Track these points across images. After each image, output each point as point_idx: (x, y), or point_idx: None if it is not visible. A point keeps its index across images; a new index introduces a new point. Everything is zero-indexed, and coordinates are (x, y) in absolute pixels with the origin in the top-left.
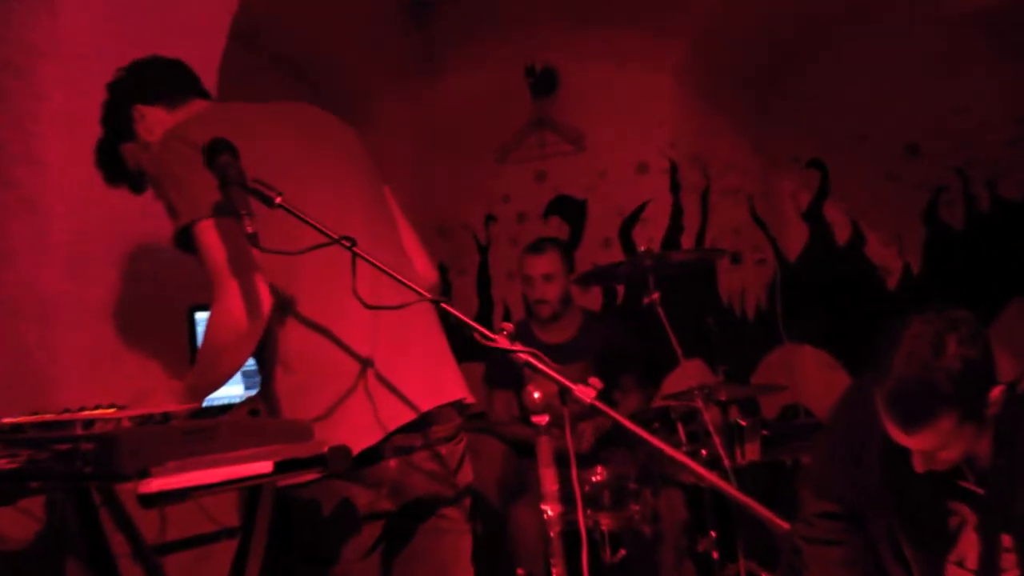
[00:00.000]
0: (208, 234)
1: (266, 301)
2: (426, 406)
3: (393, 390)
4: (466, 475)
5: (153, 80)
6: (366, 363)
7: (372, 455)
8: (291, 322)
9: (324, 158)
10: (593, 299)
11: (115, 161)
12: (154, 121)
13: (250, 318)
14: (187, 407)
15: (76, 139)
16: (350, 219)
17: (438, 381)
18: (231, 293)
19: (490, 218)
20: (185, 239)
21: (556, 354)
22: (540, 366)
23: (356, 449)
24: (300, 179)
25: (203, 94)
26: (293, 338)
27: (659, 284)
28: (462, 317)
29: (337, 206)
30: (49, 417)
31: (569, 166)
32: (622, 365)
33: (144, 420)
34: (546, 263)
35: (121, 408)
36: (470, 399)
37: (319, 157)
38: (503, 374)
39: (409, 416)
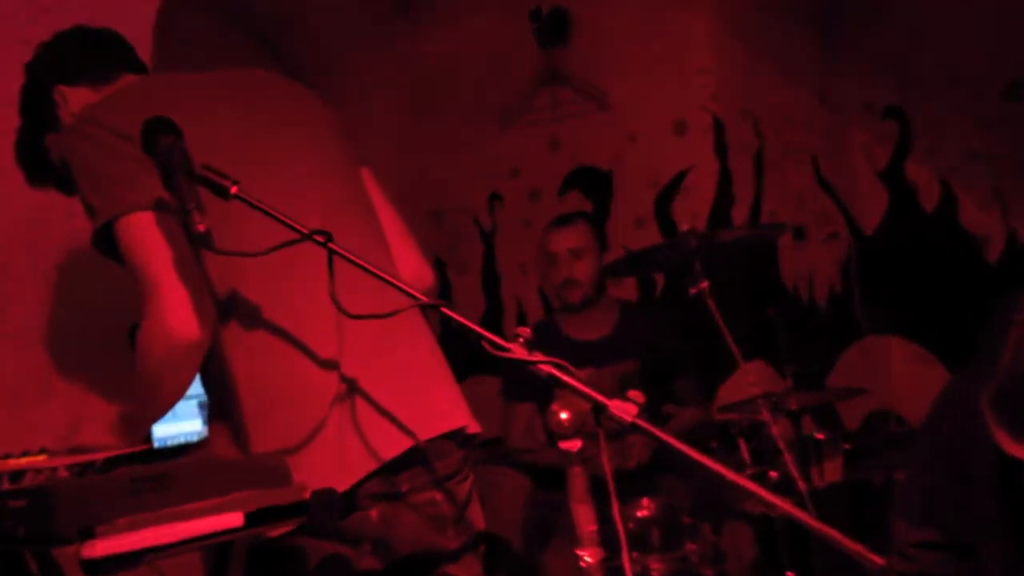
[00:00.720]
0: (132, 232)
1: (210, 310)
2: (421, 435)
3: (374, 418)
4: (475, 520)
5: (75, 55)
6: (337, 385)
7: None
8: (238, 337)
9: (274, 136)
10: (625, 293)
11: (38, 156)
12: (78, 104)
13: (188, 331)
14: (131, 448)
15: None
16: (304, 209)
17: (429, 406)
18: (165, 302)
19: (495, 198)
20: (106, 241)
21: (592, 354)
22: (567, 379)
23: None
24: (235, 164)
25: (137, 68)
26: (240, 357)
27: (707, 270)
28: (466, 323)
29: (286, 195)
30: None
31: (589, 130)
32: (675, 367)
33: (84, 468)
34: (573, 235)
35: (54, 454)
36: (474, 427)
37: (267, 135)
38: (523, 384)
39: (391, 452)
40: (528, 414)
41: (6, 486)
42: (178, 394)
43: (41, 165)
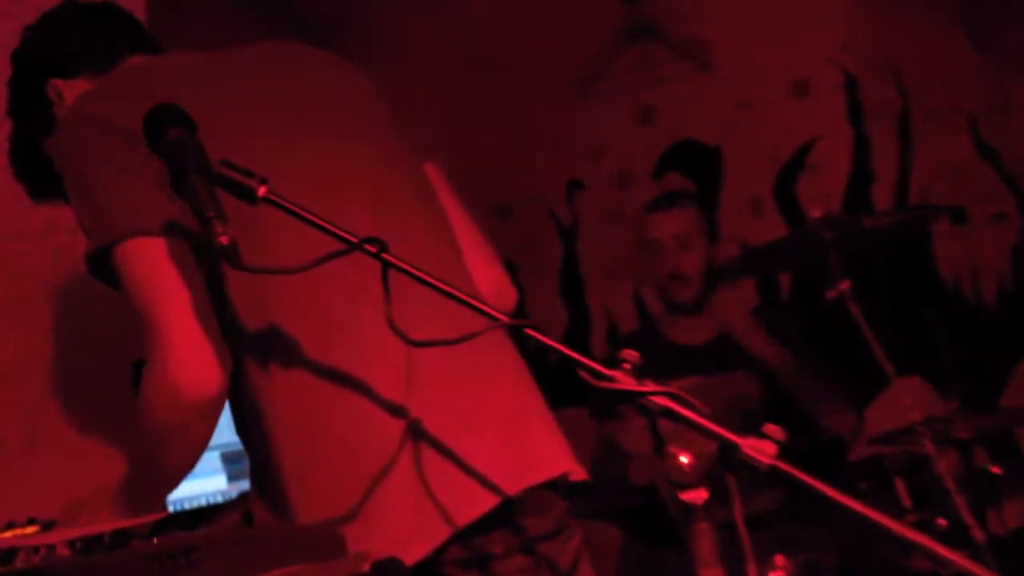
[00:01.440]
0: (133, 261)
1: (226, 357)
2: (509, 489)
3: (451, 468)
4: None
5: (69, 40)
6: (404, 428)
7: (424, 573)
8: (274, 374)
9: (312, 124)
10: (742, 299)
11: (37, 164)
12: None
13: (203, 384)
14: (145, 518)
15: None
16: (352, 212)
17: (522, 450)
18: (174, 349)
19: (575, 185)
20: (101, 264)
21: (701, 360)
22: (687, 413)
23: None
24: (263, 160)
25: (146, 46)
26: (278, 399)
27: (846, 267)
28: (558, 346)
29: (328, 196)
30: None
31: (690, 95)
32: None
33: (89, 544)
34: (679, 220)
35: (47, 526)
36: (580, 473)
37: (302, 123)
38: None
39: (480, 508)
40: (642, 432)
41: None
42: (191, 460)
43: (43, 176)
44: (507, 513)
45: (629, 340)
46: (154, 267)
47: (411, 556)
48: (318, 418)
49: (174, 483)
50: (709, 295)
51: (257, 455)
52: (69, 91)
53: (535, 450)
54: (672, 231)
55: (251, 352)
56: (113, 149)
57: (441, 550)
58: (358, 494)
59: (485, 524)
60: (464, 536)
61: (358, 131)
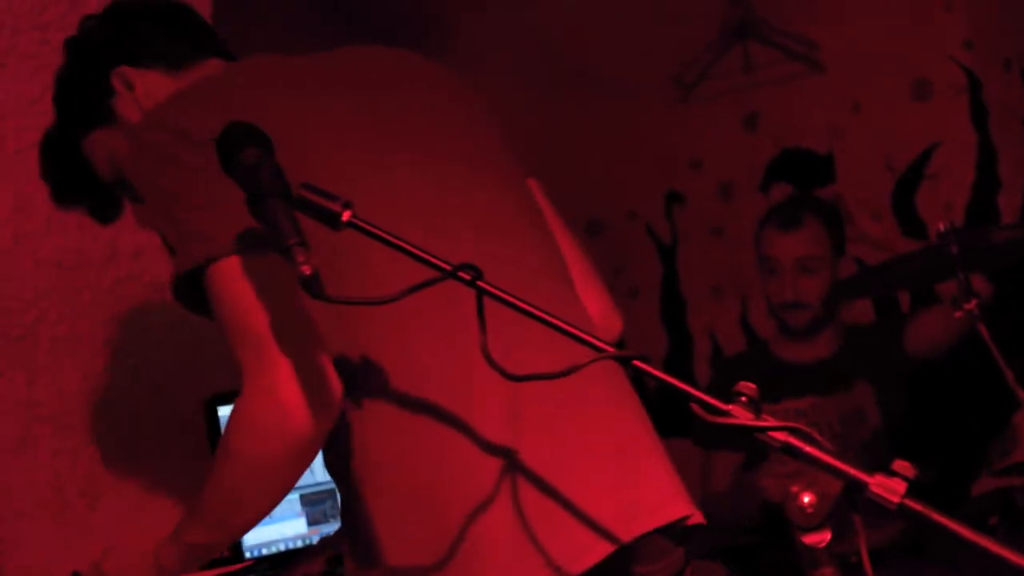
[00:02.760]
0: (231, 282)
1: (336, 387)
2: (623, 536)
3: (562, 511)
4: None
5: (145, 26)
6: (505, 470)
7: None
8: (372, 408)
9: (409, 137)
10: (859, 317)
11: (73, 164)
12: (148, 90)
13: (311, 418)
14: (224, 568)
15: None
16: (455, 234)
17: (637, 490)
18: (278, 376)
19: (673, 198)
20: (190, 290)
21: (813, 378)
22: (809, 449)
23: None
24: (359, 180)
25: (222, 53)
26: (377, 436)
27: (974, 283)
28: (669, 379)
29: (427, 216)
30: None
31: (797, 99)
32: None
33: None
34: (804, 240)
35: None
36: (697, 516)
37: (398, 137)
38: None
39: (593, 558)
40: (734, 467)
41: None
42: (276, 502)
43: (74, 178)
44: (619, 561)
45: (736, 363)
46: (255, 286)
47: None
48: (409, 461)
49: (247, 528)
50: (828, 318)
51: (347, 496)
52: (140, 81)
53: (649, 491)
54: (795, 254)
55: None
56: (198, 160)
57: None
58: (454, 540)
59: (595, 573)
60: None
61: (461, 147)
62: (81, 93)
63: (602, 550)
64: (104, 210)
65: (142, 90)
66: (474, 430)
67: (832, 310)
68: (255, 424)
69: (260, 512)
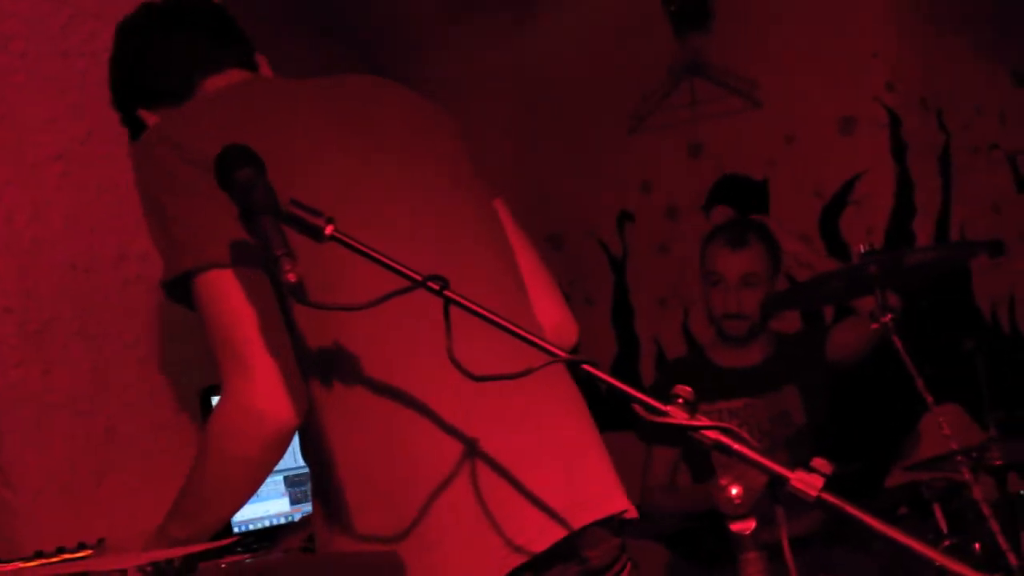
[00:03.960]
0: (212, 291)
1: (303, 391)
2: (575, 523)
3: (514, 499)
4: None
5: (144, 71)
6: (465, 458)
7: None
8: (338, 402)
9: (387, 158)
10: (787, 327)
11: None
12: None
13: (283, 412)
14: (214, 543)
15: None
16: (420, 248)
17: (585, 484)
18: (256, 375)
19: (625, 217)
20: (180, 291)
21: (745, 382)
22: (739, 447)
23: None
24: (333, 193)
25: (246, 62)
26: (342, 427)
27: (889, 299)
28: (614, 382)
29: (398, 230)
30: (18, 568)
31: (738, 131)
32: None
33: (160, 569)
34: (749, 259)
35: (96, 548)
36: (632, 512)
37: (376, 157)
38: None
39: (548, 540)
40: (671, 461)
41: None
42: (254, 489)
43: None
44: (569, 547)
45: (676, 366)
46: (234, 297)
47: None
48: (379, 449)
49: (228, 518)
50: (760, 329)
51: (320, 478)
52: (152, 120)
53: (595, 485)
54: (740, 270)
55: (316, 377)
56: (191, 176)
57: None
58: (416, 522)
59: (549, 558)
60: (529, 569)
61: (435, 169)
62: (134, 130)
63: (557, 534)
64: None
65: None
66: (437, 422)
67: (765, 321)
68: (234, 423)
69: (231, 507)
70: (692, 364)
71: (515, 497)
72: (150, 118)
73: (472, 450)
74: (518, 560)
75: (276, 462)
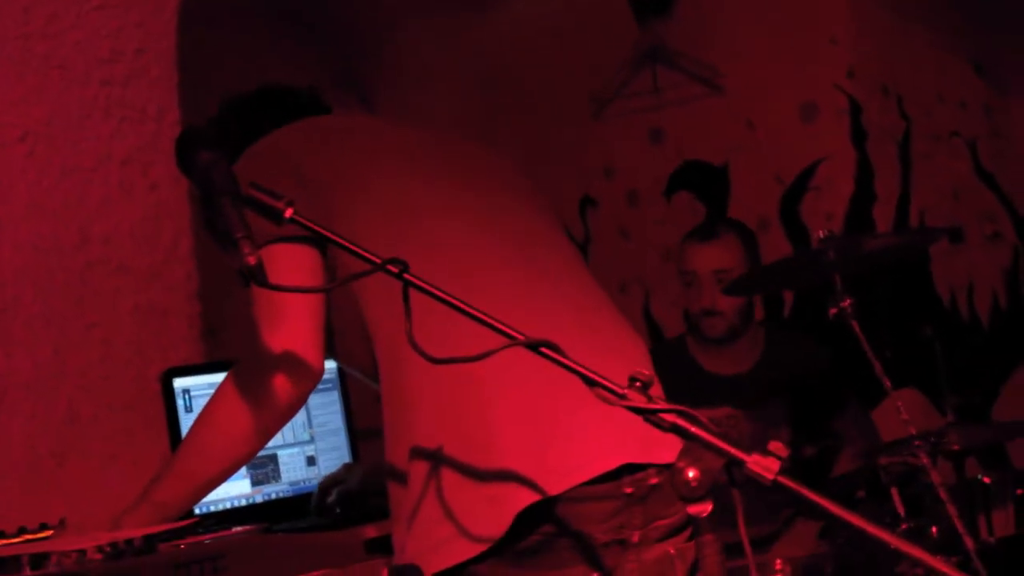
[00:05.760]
0: (275, 258)
1: (320, 367)
2: (636, 458)
3: (573, 430)
4: None
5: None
6: (522, 385)
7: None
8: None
9: (466, 189)
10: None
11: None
12: None
13: (310, 377)
14: (174, 524)
15: None
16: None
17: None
18: (292, 335)
19: (587, 202)
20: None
21: (736, 392)
22: (695, 430)
23: (510, 515)
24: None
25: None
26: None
27: (849, 284)
28: (574, 366)
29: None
30: None
31: (699, 117)
32: (833, 402)
33: (120, 550)
34: (720, 253)
35: (57, 528)
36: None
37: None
38: None
39: (613, 462)
40: None
41: (27, 572)
42: (242, 463)
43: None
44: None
45: (660, 353)
46: (286, 267)
47: (529, 499)
48: (454, 408)
49: (213, 485)
50: (745, 328)
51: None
52: None
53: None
54: (713, 266)
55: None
56: (274, 166)
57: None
58: (475, 444)
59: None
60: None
61: (506, 195)
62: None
63: (621, 459)
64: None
65: None
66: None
67: (748, 320)
68: (254, 381)
69: (226, 469)
70: (673, 358)
71: (585, 425)
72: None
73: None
74: (601, 468)
75: (273, 433)
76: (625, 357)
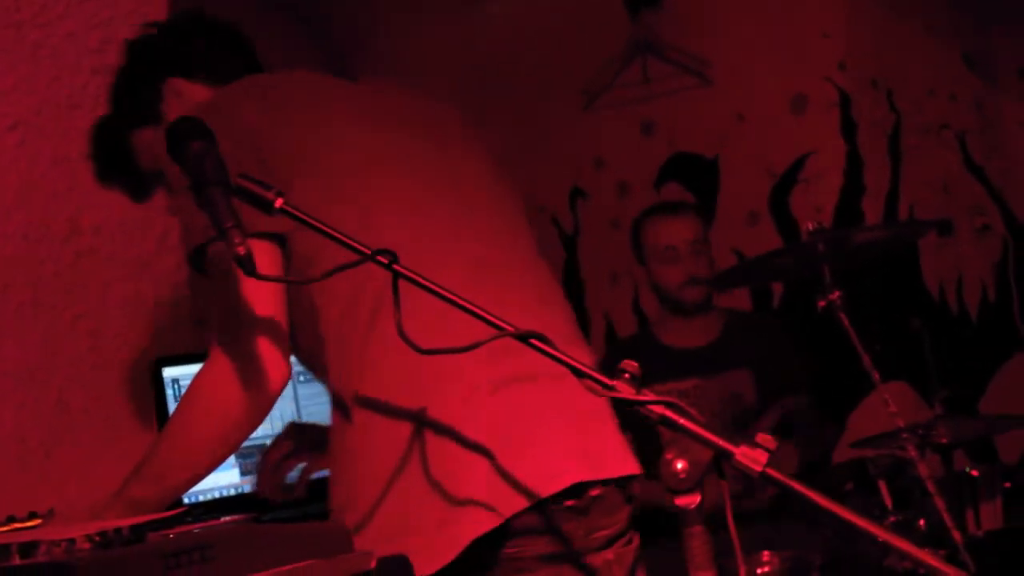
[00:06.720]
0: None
1: (286, 372)
2: (588, 475)
3: (529, 450)
4: None
5: (197, 46)
6: (480, 418)
7: (482, 557)
8: (365, 354)
9: (417, 142)
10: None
11: (120, 151)
12: (194, 101)
13: (278, 380)
14: (163, 513)
15: None
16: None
17: (602, 442)
18: (258, 337)
19: (577, 193)
20: (199, 258)
21: (695, 363)
22: (684, 422)
23: (462, 542)
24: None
25: (258, 71)
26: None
27: (838, 278)
28: (564, 358)
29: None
30: None
31: (689, 109)
32: (789, 387)
33: (109, 539)
34: (690, 226)
35: (45, 518)
36: (637, 487)
37: (406, 139)
38: None
39: (562, 483)
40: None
41: (16, 562)
42: (222, 456)
43: (119, 162)
44: (596, 499)
45: (626, 345)
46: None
47: (465, 538)
48: (385, 382)
49: (197, 480)
50: (710, 303)
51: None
52: (188, 91)
53: (615, 445)
54: (689, 237)
55: (337, 340)
56: (229, 151)
57: (517, 517)
58: (401, 462)
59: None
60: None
61: (457, 151)
62: (135, 95)
63: (572, 479)
64: (139, 191)
65: (188, 99)
66: (457, 377)
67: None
68: (220, 385)
69: (200, 470)
70: (640, 343)
71: (530, 448)
72: (187, 88)
73: (497, 391)
74: (533, 499)
75: (253, 429)
76: (522, 296)
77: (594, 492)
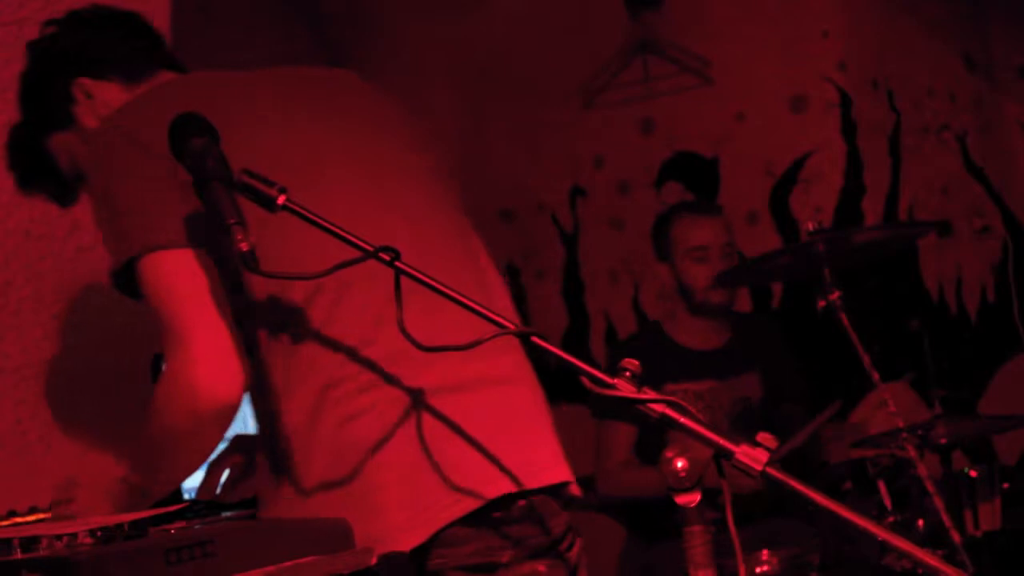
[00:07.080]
0: (158, 272)
1: (242, 366)
2: (525, 483)
3: (465, 454)
4: None
5: (104, 40)
6: (415, 411)
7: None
8: (296, 360)
9: (347, 140)
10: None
11: (37, 157)
12: (105, 101)
13: (227, 386)
14: (166, 508)
15: None
16: (391, 223)
17: (534, 449)
18: (199, 349)
19: (577, 192)
20: (126, 279)
21: (710, 364)
22: (685, 421)
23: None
24: (312, 172)
25: (175, 66)
26: (298, 386)
27: (838, 277)
28: (563, 355)
29: (373, 206)
30: None
31: (689, 108)
32: (784, 391)
33: (110, 533)
34: (722, 228)
35: (49, 510)
36: (575, 489)
37: (337, 140)
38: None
39: (495, 491)
40: (629, 438)
41: (18, 556)
42: (200, 462)
43: (39, 169)
44: (528, 511)
45: (633, 343)
46: (177, 278)
47: (415, 536)
48: (325, 400)
49: (179, 482)
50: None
51: (267, 435)
52: (98, 92)
53: (543, 452)
54: (723, 239)
55: (266, 337)
56: (137, 163)
57: (429, 544)
58: (360, 467)
59: (504, 518)
60: (460, 524)
61: (396, 151)
62: (43, 99)
63: (507, 487)
64: (64, 196)
65: (100, 100)
66: (386, 379)
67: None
68: (169, 405)
69: (187, 466)
70: (652, 341)
71: (464, 450)
72: (96, 88)
73: (419, 403)
74: (466, 507)
75: (219, 436)
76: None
77: (522, 503)
